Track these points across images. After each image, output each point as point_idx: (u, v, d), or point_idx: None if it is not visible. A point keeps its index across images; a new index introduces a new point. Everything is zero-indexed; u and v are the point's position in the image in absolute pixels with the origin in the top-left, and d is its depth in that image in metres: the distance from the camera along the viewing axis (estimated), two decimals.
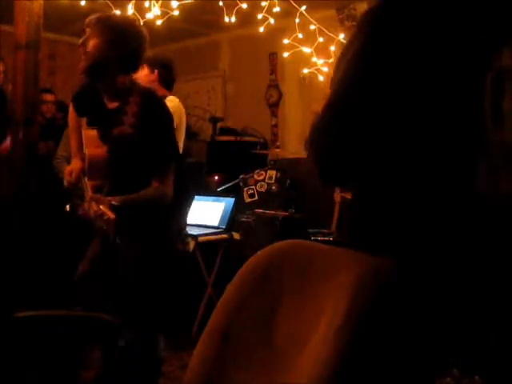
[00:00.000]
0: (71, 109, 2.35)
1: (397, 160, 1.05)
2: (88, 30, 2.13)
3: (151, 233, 2.24)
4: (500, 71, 0.97)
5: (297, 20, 3.77)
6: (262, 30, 3.76)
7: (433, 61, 1.01)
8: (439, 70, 1.02)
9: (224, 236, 3.96)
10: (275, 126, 6.02)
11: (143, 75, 3.30)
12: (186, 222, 2.55)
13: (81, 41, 2.14)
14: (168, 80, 3.50)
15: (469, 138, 1.02)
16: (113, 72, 2.15)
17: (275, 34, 4.31)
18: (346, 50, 1.08)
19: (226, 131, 5.75)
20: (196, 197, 3.50)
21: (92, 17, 2.15)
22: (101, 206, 2.01)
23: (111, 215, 1.98)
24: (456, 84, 1.02)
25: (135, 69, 2.23)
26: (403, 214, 1.05)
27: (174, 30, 4.86)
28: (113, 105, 2.22)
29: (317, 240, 3.95)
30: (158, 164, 2.20)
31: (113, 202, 2.05)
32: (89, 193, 2.17)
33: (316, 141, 1.08)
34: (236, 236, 4.02)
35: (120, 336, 2.99)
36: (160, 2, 3.36)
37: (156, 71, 3.41)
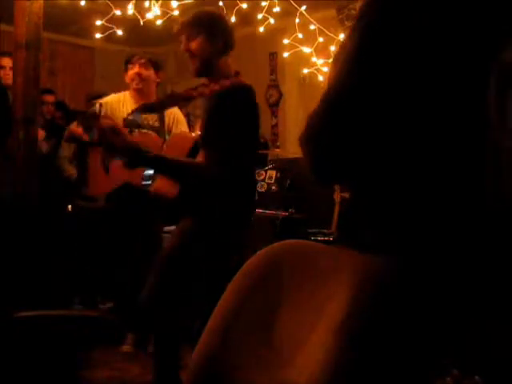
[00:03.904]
0: None
1: (395, 157, 1.05)
2: (184, 35, 2.28)
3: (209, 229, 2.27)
4: (505, 67, 0.95)
5: (297, 20, 3.77)
6: (262, 29, 3.76)
7: (432, 53, 1.00)
8: (438, 64, 1.00)
9: None
10: (275, 125, 6.02)
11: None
12: (243, 244, 2.56)
13: (182, 46, 2.29)
14: None
15: (469, 136, 1.01)
16: (217, 62, 2.29)
17: (275, 33, 4.31)
18: (343, 47, 1.06)
19: None
20: None
21: (184, 20, 2.31)
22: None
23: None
24: (455, 79, 1.01)
25: (232, 47, 2.34)
26: (403, 213, 1.05)
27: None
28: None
29: (317, 240, 3.95)
30: (215, 142, 2.19)
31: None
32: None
33: (312, 137, 1.06)
34: None
35: (125, 336, 3.00)
36: (160, 2, 3.37)
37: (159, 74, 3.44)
